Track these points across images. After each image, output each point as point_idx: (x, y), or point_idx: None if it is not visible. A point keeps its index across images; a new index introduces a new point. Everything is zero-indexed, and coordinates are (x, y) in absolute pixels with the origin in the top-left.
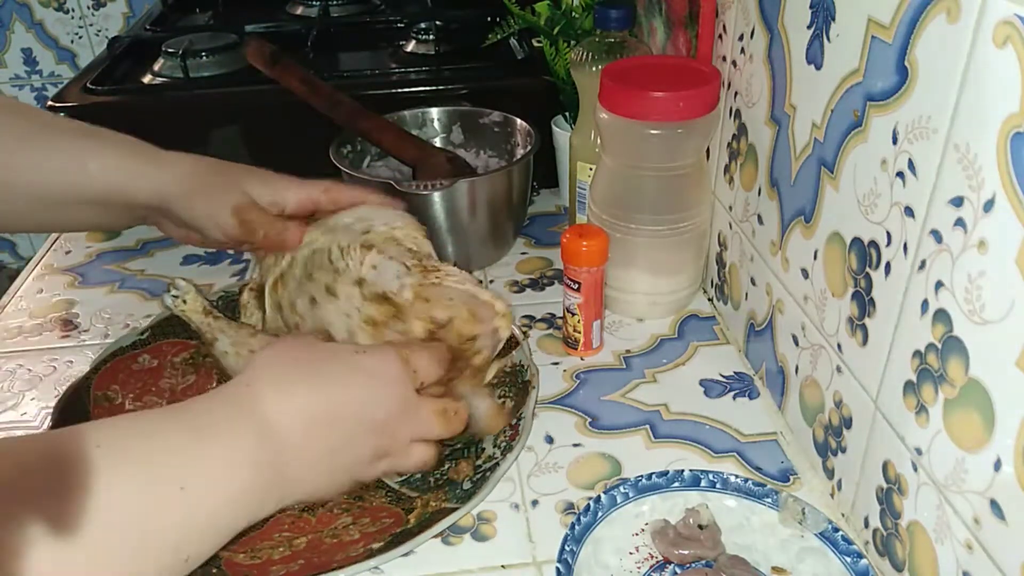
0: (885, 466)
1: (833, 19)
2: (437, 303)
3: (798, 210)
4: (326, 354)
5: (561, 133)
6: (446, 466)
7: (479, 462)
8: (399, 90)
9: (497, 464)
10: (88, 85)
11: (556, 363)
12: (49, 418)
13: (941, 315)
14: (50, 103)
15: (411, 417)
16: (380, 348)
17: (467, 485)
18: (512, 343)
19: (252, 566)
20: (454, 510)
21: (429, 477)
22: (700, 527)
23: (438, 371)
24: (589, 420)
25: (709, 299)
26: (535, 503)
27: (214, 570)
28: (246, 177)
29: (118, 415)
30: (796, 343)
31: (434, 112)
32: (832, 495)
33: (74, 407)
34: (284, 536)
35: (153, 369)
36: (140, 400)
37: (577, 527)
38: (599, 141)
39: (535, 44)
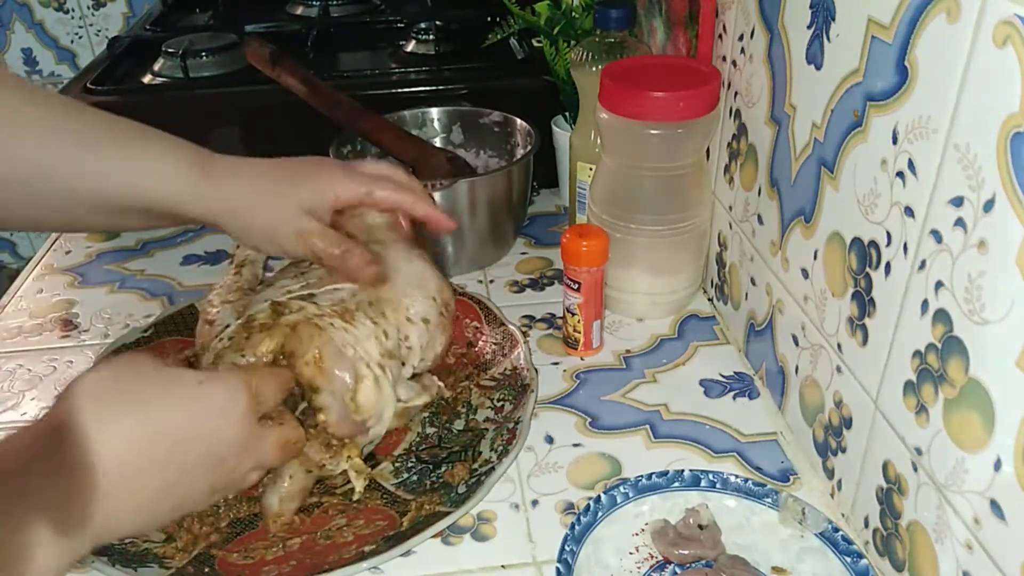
0: (885, 466)
1: (833, 19)
2: (300, 334)
3: (798, 210)
4: (163, 380)
5: (561, 133)
6: (442, 469)
7: (475, 466)
8: (399, 90)
9: (493, 468)
10: (88, 85)
11: (556, 363)
12: None
13: (941, 315)
14: None
15: (253, 451)
16: (224, 379)
17: (462, 489)
18: (512, 344)
19: (245, 566)
20: (448, 513)
21: (425, 480)
22: (700, 527)
23: (278, 398)
24: (589, 420)
25: (709, 299)
26: (535, 503)
27: (207, 569)
28: (300, 186)
29: None
30: (796, 343)
31: (434, 112)
32: (832, 495)
33: None
34: (278, 536)
35: None
36: None
37: (577, 527)
38: (599, 141)
39: (535, 44)
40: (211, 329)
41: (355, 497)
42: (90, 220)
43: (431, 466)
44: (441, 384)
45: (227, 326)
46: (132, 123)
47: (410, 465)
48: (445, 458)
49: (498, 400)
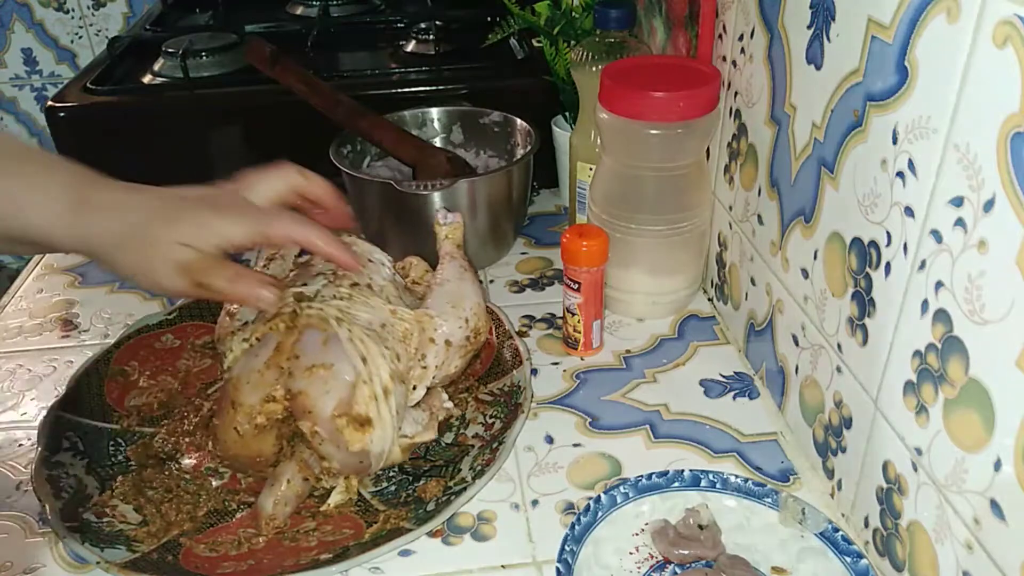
0: (885, 466)
1: (833, 19)
2: (307, 375)
3: (798, 210)
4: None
5: (561, 133)
6: (420, 482)
7: (450, 483)
8: (399, 90)
9: (464, 489)
10: (88, 85)
11: (556, 363)
12: (64, 387)
13: (941, 315)
14: (50, 103)
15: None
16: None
17: (431, 507)
18: (516, 360)
19: (206, 559)
20: (409, 531)
21: (401, 492)
22: (700, 527)
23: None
24: (589, 420)
25: (709, 299)
26: (535, 503)
27: (169, 558)
28: (178, 224)
29: None
30: (796, 343)
31: (434, 112)
32: (832, 495)
33: (89, 379)
34: (248, 533)
35: (174, 349)
36: (154, 379)
37: (577, 527)
38: (599, 141)
39: (535, 44)
40: (231, 322)
41: (323, 507)
42: None
43: (411, 477)
44: (450, 404)
45: (246, 323)
46: (18, 146)
47: (391, 475)
48: (427, 471)
49: (491, 417)
